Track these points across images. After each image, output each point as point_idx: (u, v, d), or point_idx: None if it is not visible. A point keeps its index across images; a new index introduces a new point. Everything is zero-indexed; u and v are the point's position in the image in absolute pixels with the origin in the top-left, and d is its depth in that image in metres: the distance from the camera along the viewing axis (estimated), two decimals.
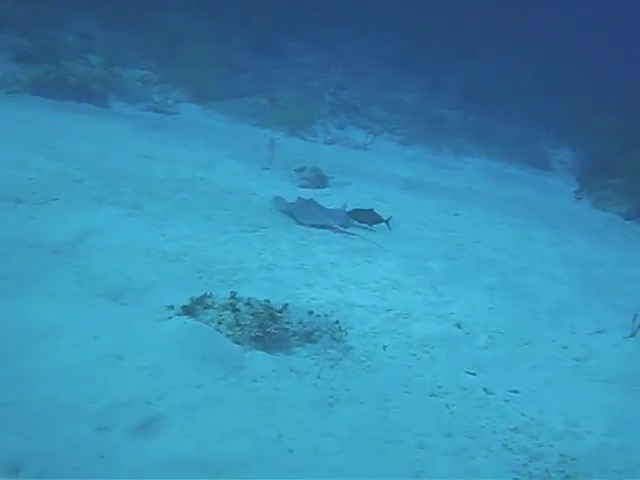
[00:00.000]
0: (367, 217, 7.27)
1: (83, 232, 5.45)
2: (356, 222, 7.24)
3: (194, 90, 12.89)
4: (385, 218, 7.25)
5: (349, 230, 7.04)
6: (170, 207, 6.52)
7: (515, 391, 4.48)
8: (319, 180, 8.74)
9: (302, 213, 7.01)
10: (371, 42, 17.85)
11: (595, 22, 17.69)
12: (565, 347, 5.34)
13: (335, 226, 6.97)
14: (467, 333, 5.20)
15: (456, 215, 8.65)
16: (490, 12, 17.94)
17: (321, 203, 7.41)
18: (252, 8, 16.42)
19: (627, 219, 10.79)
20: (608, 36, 17.44)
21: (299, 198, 7.33)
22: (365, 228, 7.23)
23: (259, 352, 4.20)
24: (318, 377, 4.13)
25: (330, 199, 8.02)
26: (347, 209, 7.35)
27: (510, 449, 3.81)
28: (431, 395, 4.26)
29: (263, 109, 12.99)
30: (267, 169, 8.87)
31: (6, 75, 10.92)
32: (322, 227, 6.91)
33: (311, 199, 7.40)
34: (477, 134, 15.14)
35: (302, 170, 8.80)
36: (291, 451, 3.43)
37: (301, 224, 6.86)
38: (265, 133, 11.07)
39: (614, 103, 14.74)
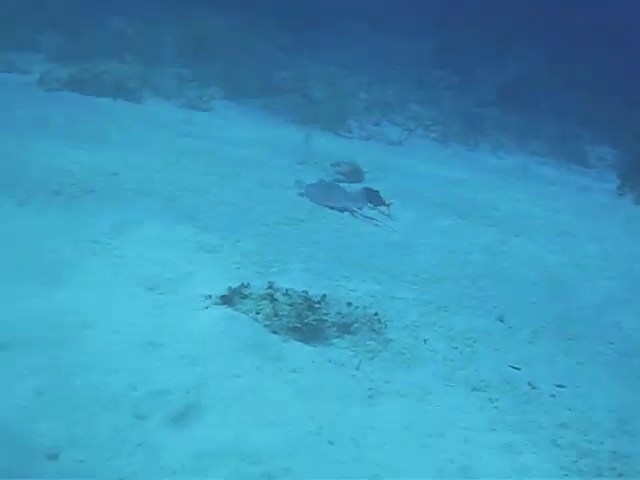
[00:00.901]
0: (374, 197, 7.39)
1: (119, 223, 5.42)
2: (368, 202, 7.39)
3: (229, 87, 12.88)
4: (387, 202, 7.32)
5: (365, 213, 7.10)
6: (207, 200, 6.48)
7: (561, 386, 4.34)
8: (355, 174, 8.63)
9: (322, 195, 7.15)
10: (406, 39, 17.69)
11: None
12: (612, 343, 5.18)
13: (355, 209, 7.07)
14: (510, 327, 5.07)
15: (495, 210, 8.48)
16: (529, 7, 17.65)
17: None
18: (288, 6, 16.43)
19: None
20: None
21: (320, 180, 7.53)
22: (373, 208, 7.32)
23: (297, 343, 4.12)
24: (357, 369, 4.04)
25: None
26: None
27: (559, 445, 3.67)
28: (474, 389, 4.14)
29: (298, 106, 12.91)
30: (303, 163, 8.79)
31: (45, 73, 11.03)
32: (342, 210, 7.02)
33: (332, 181, 7.60)
34: (514, 131, 14.89)
35: (338, 164, 8.71)
36: (331, 443, 3.34)
37: (322, 205, 7.01)
38: (300, 129, 10.99)
39: None
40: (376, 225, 6.85)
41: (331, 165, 8.67)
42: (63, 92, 10.65)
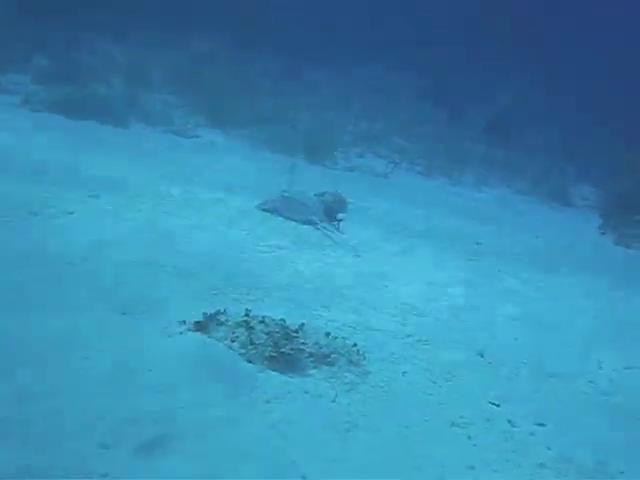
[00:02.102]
0: (331, 212, 7.74)
1: (97, 245, 5.33)
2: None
3: (215, 115, 12.86)
4: (338, 218, 7.67)
5: (326, 226, 7.42)
6: (187, 224, 6.39)
7: (541, 424, 4.26)
8: (338, 204, 8.57)
9: (286, 209, 7.46)
10: (395, 74, 17.84)
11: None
12: (592, 381, 5.11)
13: (317, 222, 7.40)
14: (490, 362, 4.99)
15: (478, 244, 8.45)
16: (516, 43, 17.87)
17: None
18: (277, 37, 16.55)
19: None
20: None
21: (282, 195, 7.75)
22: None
23: (273, 372, 4.02)
24: (333, 401, 3.94)
25: (348, 223, 7.91)
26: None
27: None
28: (452, 425, 4.04)
29: (284, 135, 12.91)
30: (286, 192, 8.73)
31: (29, 95, 10.95)
32: (305, 223, 7.33)
33: (292, 195, 7.87)
34: (499, 167, 14.98)
35: (322, 195, 8.65)
36: (304, 477, 3.22)
37: (285, 219, 7.31)
38: (285, 159, 10.98)
39: None
40: (330, 237, 7.05)
41: (315, 195, 8.62)
42: (47, 114, 10.57)
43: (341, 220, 7.62)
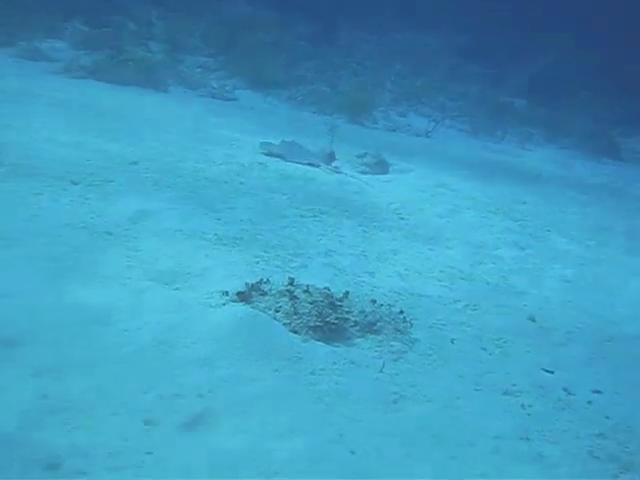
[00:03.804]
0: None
1: (137, 215, 5.25)
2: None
3: (253, 77, 12.68)
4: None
5: (331, 167, 7.76)
6: (227, 190, 6.29)
7: (598, 392, 4.08)
8: (380, 166, 8.38)
9: (287, 153, 7.71)
10: (434, 33, 17.35)
11: None
12: None
13: (320, 164, 7.71)
14: (542, 327, 4.81)
15: (524, 203, 8.17)
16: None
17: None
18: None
19: None
20: None
21: (283, 141, 7.96)
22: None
23: (318, 343, 3.91)
24: (381, 371, 3.82)
25: (392, 185, 7.70)
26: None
27: (597, 457, 3.42)
28: (505, 393, 3.90)
29: (323, 96, 12.69)
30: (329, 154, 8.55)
31: (70, 61, 10.92)
32: (308, 164, 7.63)
33: (293, 141, 8.02)
34: (543, 124, 14.52)
35: (363, 156, 8.46)
36: (352, 452, 3.12)
37: (287, 162, 7.56)
38: (325, 120, 10.76)
39: None
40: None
41: (356, 157, 8.43)
42: (88, 80, 10.53)
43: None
